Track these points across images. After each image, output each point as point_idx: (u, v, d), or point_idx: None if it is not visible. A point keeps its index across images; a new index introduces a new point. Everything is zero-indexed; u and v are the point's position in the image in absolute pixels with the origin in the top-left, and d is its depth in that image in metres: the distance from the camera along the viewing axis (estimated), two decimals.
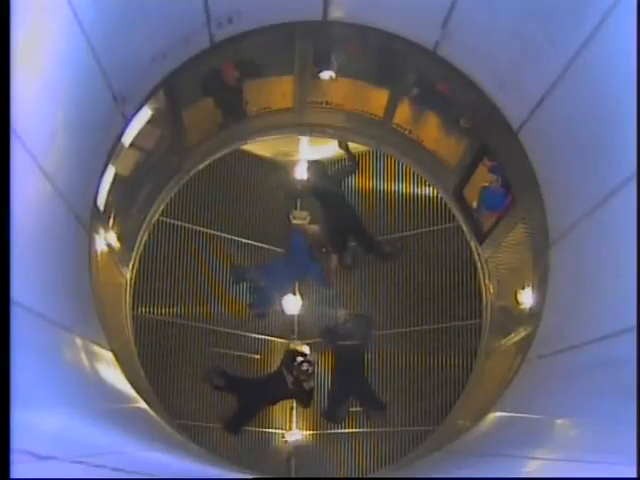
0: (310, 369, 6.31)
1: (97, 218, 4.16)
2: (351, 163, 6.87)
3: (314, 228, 6.98)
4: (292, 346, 7.25)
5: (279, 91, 5.82)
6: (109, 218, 4.65)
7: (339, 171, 7.01)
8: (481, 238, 5.93)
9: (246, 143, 6.66)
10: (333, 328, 6.88)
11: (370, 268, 7.37)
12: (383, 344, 7.09)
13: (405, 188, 7.26)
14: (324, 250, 6.52)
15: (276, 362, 7.48)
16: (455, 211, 6.33)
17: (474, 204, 5.89)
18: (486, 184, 5.54)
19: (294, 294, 7.32)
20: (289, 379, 6.29)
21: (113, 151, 4.18)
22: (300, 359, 6.36)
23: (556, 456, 2.84)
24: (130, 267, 5.70)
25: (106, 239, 4.60)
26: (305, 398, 6.57)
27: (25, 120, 2.43)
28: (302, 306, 7.30)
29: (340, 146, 6.68)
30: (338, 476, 7.19)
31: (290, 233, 6.79)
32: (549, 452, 2.93)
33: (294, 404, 7.23)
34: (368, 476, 7.10)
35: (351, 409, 7.10)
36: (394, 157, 6.94)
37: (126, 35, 3.52)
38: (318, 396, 6.96)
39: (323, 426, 7.30)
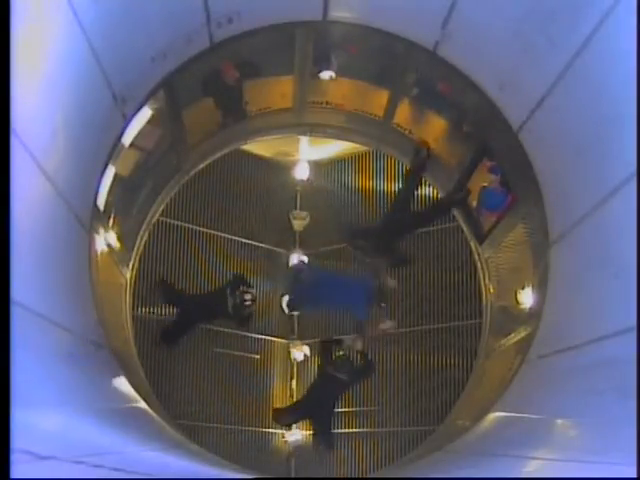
0: (250, 303, 6.27)
1: (97, 218, 4.16)
2: (367, 367, 6.45)
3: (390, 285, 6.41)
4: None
5: (279, 91, 5.83)
6: (109, 218, 4.65)
7: (352, 370, 6.32)
8: (481, 238, 5.93)
9: (246, 143, 6.66)
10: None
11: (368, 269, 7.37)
12: (383, 344, 7.08)
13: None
14: (383, 305, 6.24)
15: (276, 362, 7.49)
16: (455, 211, 6.34)
17: (474, 204, 5.90)
18: (486, 184, 5.54)
19: None
20: (230, 302, 6.25)
21: (113, 151, 4.18)
22: (244, 289, 6.32)
23: (556, 456, 2.84)
24: (130, 267, 5.70)
25: (106, 239, 4.60)
26: (243, 322, 6.58)
27: (25, 120, 2.43)
28: None
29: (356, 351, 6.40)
30: (338, 476, 7.19)
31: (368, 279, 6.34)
32: (549, 452, 2.93)
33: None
34: (368, 476, 7.10)
35: (350, 409, 7.10)
36: (394, 157, 6.94)
37: (126, 35, 3.52)
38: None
39: None
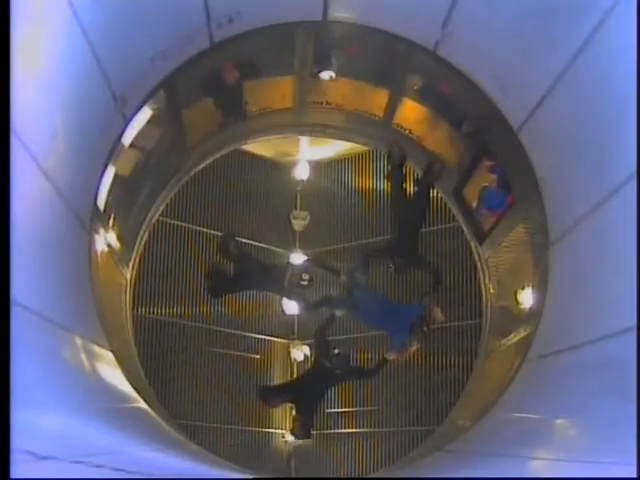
0: (307, 284, 6.06)
1: (97, 218, 4.16)
2: (370, 372, 6.43)
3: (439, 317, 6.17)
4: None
5: (279, 91, 5.82)
6: (109, 218, 4.64)
7: (347, 367, 6.16)
8: (481, 238, 5.93)
9: (246, 143, 6.66)
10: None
11: (370, 269, 7.37)
12: (383, 344, 7.09)
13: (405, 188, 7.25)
14: (425, 329, 5.99)
15: (276, 362, 7.50)
16: (455, 211, 6.33)
17: (474, 204, 5.89)
18: (486, 184, 5.54)
19: None
20: (287, 276, 6.06)
21: (113, 151, 4.18)
22: (305, 276, 6.11)
23: (556, 456, 2.85)
24: (130, 267, 5.69)
25: (106, 239, 4.60)
26: (299, 299, 6.43)
27: (25, 120, 2.43)
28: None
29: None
30: (338, 476, 7.19)
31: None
32: (549, 452, 2.93)
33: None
34: (368, 476, 7.10)
35: (350, 409, 7.11)
36: None
37: (126, 35, 3.52)
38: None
39: (323, 426, 7.30)
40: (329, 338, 6.70)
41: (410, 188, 6.69)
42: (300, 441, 7.29)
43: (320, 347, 6.26)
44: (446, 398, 6.57)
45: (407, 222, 6.12)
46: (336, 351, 6.08)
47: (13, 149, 2.26)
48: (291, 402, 6.35)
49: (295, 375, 7.36)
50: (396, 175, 6.21)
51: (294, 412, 6.32)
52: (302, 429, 6.20)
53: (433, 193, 6.83)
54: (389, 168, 6.36)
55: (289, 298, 6.60)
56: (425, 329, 5.95)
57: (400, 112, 5.87)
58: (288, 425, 7.37)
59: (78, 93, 3.17)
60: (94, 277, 4.01)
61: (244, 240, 7.39)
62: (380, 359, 6.24)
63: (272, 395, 6.37)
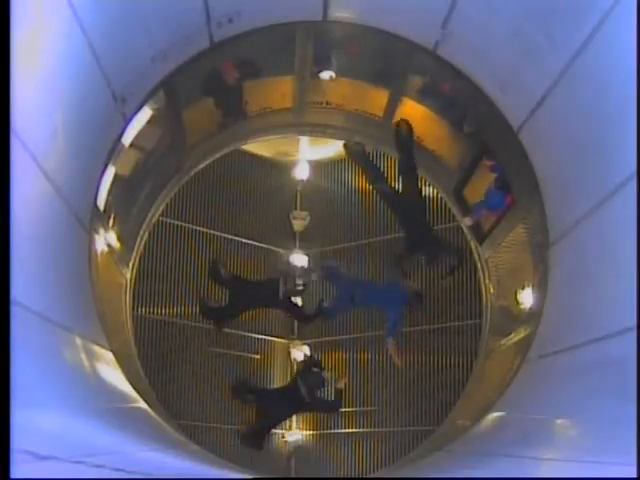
0: (301, 287, 6.21)
1: (97, 218, 4.16)
2: (334, 404, 6.38)
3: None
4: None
5: (279, 91, 5.83)
6: (109, 218, 4.65)
7: (316, 394, 6.18)
8: (481, 238, 5.93)
9: (246, 143, 6.66)
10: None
11: (369, 269, 7.38)
12: (383, 344, 7.09)
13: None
14: (420, 301, 6.15)
15: (276, 362, 7.50)
16: (455, 211, 6.33)
17: (474, 204, 5.89)
18: (486, 184, 5.54)
19: None
20: (282, 289, 6.10)
21: (113, 151, 4.18)
22: (298, 280, 6.24)
23: (556, 456, 2.85)
24: (130, 267, 5.69)
25: (106, 239, 4.60)
26: (295, 312, 6.50)
27: (25, 120, 2.43)
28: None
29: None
30: (338, 476, 7.19)
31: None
32: (549, 452, 2.92)
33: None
34: (368, 476, 7.10)
35: (350, 409, 7.11)
36: (394, 157, 6.93)
37: (126, 35, 3.52)
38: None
39: (323, 426, 7.30)
40: (331, 338, 6.75)
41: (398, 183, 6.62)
42: (300, 441, 7.30)
43: (302, 368, 6.29)
44: (446, 398, 6.57)
45: (408, 215, 6.04)
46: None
47: (13, 149, 2.26)
48: (257, 408, 6.31)
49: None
50: (371, 170, 6.22)
51: (255, 420, 6.27)
52: (254, 439, 6.17)
53: (433, 193, 6.85)
54: (360, 167, 6.41)
55: (287, 313, 6.65)
56: (420, 302, 6.09)
57: (400, 112, 5.87)
58: (288, 425, 7.37)
59: (78, 93, 3.17)
60: (94, 277, 4.01)
61: (244, 240, 7.40)
62: (336, 390, 6.25)
63: (244, 391, 6.32)
